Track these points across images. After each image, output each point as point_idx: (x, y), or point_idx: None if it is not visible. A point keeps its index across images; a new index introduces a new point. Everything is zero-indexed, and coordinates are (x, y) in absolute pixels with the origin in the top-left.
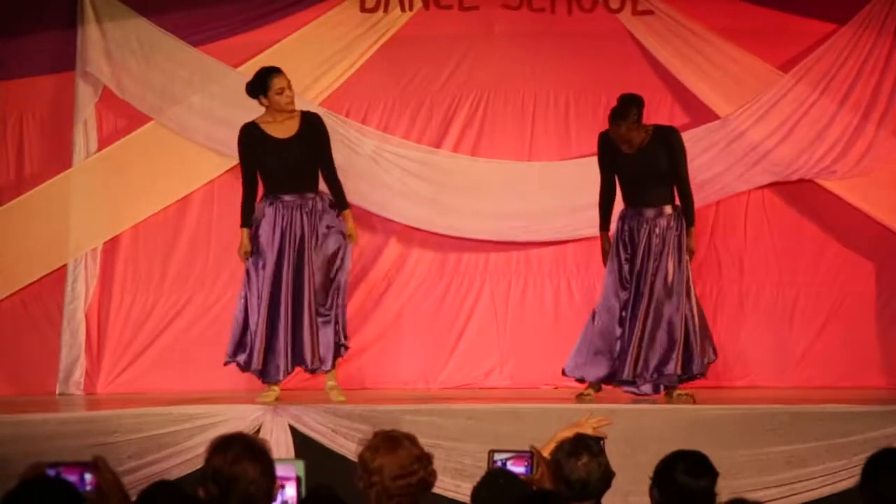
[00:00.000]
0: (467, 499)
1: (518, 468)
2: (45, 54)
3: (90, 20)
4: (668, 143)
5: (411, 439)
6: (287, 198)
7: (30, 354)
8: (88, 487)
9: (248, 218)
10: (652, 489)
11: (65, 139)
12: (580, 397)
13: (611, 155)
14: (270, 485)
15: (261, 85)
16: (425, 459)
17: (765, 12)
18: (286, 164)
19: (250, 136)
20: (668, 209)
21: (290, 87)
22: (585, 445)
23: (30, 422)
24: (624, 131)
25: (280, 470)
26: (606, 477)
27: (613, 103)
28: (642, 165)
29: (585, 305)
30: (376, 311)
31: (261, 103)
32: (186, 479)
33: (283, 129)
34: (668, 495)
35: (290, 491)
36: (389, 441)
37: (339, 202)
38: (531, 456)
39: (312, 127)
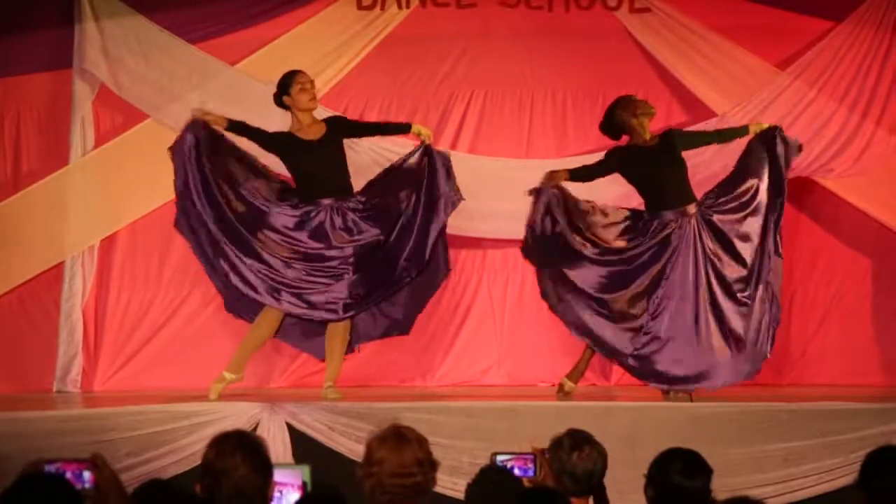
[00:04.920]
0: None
1: (521, 469)
2: (42, 51)
3: (88, 17)
4: (671, 134)
5: (421, 442)
6: (325, 201)
7: (27, 352)
8: (87, 485)
9: (237, 125)
10: (647, 488)
11: (62, 136)
12: (561, 392)
13: (626, 163)
14: (263, 481)
15: (283, 86)
16: (428, 465)
17: (762, 9)
18: (321, 164)
19: (283, 137)
20: (691, 209)
21: (312, 85)
22: (583, 438)
23: (27, 419)
24: (642, 101)
25: (285, 476)
26: (605, 469)
27: (611, 101)
28: (660, 161)
29: None
30: None
31: (286, 106)
32: (183, 476)
33: (313, 132)
34: (663, 494)
35: (294, 496)
36: (398, 437)
37: (399, 129)
38: (534, 458)
39: (337, 123)
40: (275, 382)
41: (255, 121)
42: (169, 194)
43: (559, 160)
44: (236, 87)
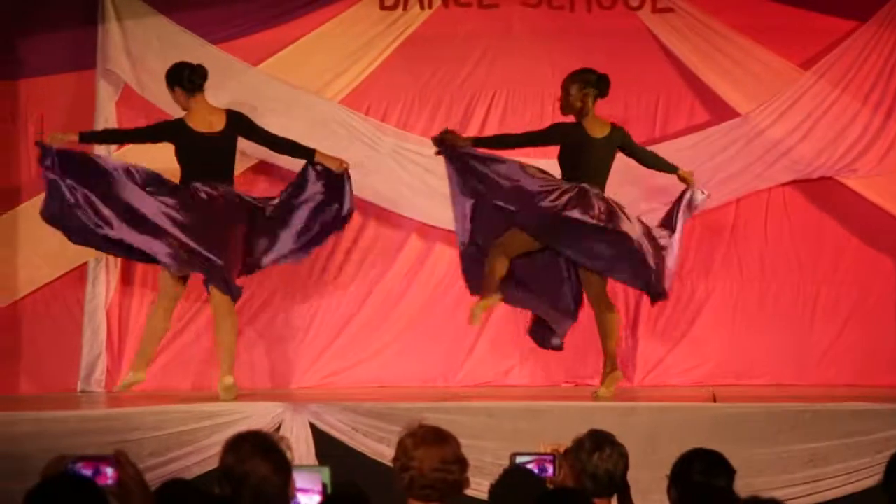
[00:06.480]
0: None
1: (541, 470)
2: (65, 52)
3: (111, 18)
4: (620, 133)
5: (457, 442)
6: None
7: (52, 352)
8: (110, 482)
9: (90, 137)
10: (669, 489)
11: None
12: (596, 397)
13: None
14: (284, 481)
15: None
16: (464, 465)
17: (785, 9)
18: (210, 155)
19: (175, 126)
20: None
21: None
22: (605, 439)
23: (51, 419)
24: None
25: (305, 479)
26: (626, 470)
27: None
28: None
29: None
30: (396, 308)
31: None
32: (206, 476)
33: (209, 123)
34: (686, 494)
35: (315, 500)
36: (436, 435)
37: (304, 154)
38: (553, 458)
39: (238, 121)
40: (297, 382)
41: (276, 121)
42: None
43: None
44: (258, 87)
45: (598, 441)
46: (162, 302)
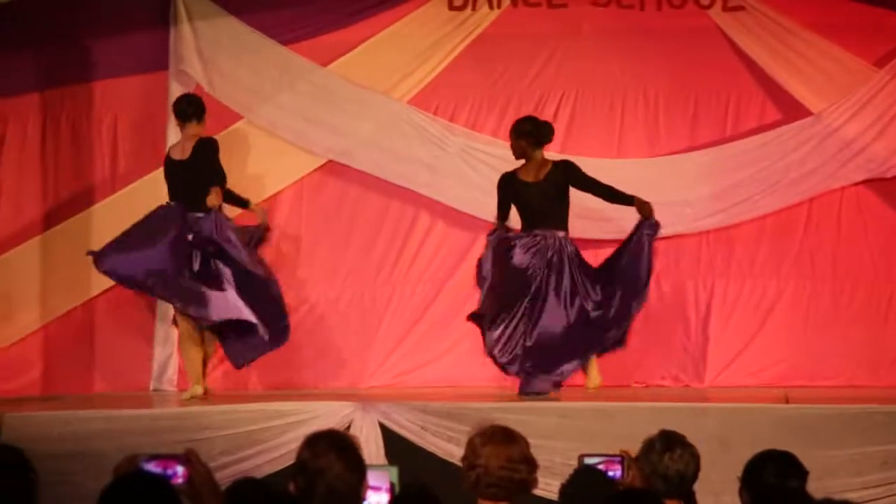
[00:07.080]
0: (557, 496)
1: (609, 472)
2: (138, 54)
3: (183, 20)
4: (564, 169)
5: (525, 442)
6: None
7: (125, 351)
8: (180, 480)
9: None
10: (741, 491)
11: (157, 137)
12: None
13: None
14: (358, 480)
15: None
16: (532, 464)
17: (858, 7)
18: (184, 181)
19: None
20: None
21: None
22: (676, 439)
23: (124, 417)
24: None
25: (373, 478)
26: (698, 471)
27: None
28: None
29: (674, 304)
30: (465, 307)
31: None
32: (277, 475)
33: (184, 150)
34: (759, 496)
35: (384, 498)
36: (505, 435)
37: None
38: (622, 460)
39: (206, 147)
40: (366, 382)
41: (344, 120)
42: (261, 195)
43: (651, 159)
44: (328, 87)
45: (669, 441)
46: (186, 342)
